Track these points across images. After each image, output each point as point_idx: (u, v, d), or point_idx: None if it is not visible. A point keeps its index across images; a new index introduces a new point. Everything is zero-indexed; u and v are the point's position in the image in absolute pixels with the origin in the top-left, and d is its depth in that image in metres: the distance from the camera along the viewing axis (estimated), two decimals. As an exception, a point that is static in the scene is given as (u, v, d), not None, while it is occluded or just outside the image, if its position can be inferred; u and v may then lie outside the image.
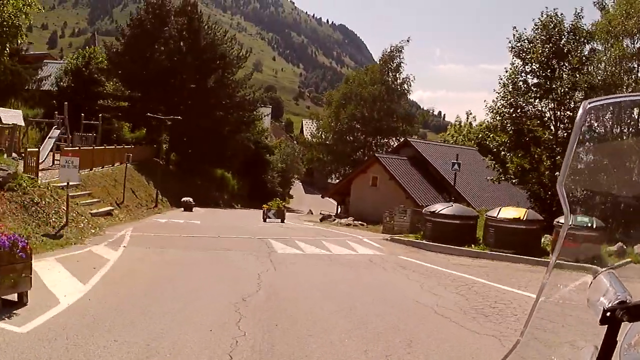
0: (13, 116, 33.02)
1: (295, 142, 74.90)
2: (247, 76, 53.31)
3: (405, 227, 24.02)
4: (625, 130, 23.85)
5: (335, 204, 62.91)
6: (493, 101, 26.09)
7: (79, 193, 23.71)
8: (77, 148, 29.02)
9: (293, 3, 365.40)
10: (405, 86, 59.25)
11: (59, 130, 33.49)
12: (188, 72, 47.85)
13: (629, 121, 24.32)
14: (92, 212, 21.52)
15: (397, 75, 58.86)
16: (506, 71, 26.26)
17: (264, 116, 54.18)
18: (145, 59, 47.06)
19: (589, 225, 4.63)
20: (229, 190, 54.19)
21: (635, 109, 19.14)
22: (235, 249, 16.54)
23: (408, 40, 59.47)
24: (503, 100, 25.62)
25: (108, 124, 46.16)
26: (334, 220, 33.98)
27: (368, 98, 56.45)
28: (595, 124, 21.04)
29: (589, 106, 1.63)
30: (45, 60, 56.42)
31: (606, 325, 1.43)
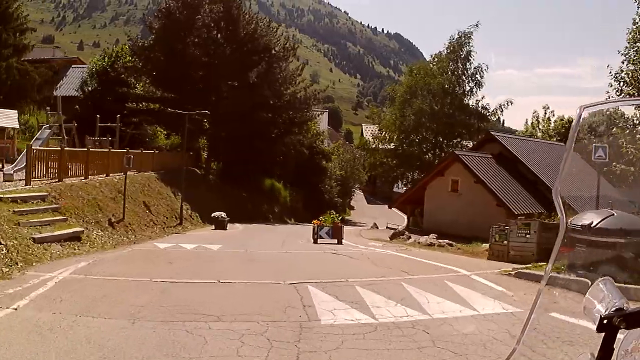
0: (9, 118, 26.18)
1: (354, 147, 66.34)
2: (297, 70, 45.03)
3: (528, 250, 15.19)
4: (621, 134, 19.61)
5: (404, 215, 54.26)
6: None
7: (37, 208, 15.92)
8: (57, 149, 21.38)
9: (347, 14, 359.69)
10: (478, 76, 49.82)
11: (49, 131, 26.04)
12: (226, 66, 40.06)
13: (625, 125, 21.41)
14: (39, 235, 13.58)
15: (468, 65, 49.56)
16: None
17: (318, 115, 45.87)
18: (176, 52, 39.54)
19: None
20: (281, 203, 46.00)
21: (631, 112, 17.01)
22: (233, 315, 8.10)
23: (477, 25, 49.95)
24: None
25: (136, 129, 38.90)
26: (408, 237, 25.16)
27: (437, 90, 47.34)
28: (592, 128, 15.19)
29: (584, 110, 1.63)
30: (73, 66, 49.96)
31: (603, 333, 1.43)
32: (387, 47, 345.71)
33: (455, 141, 48.03)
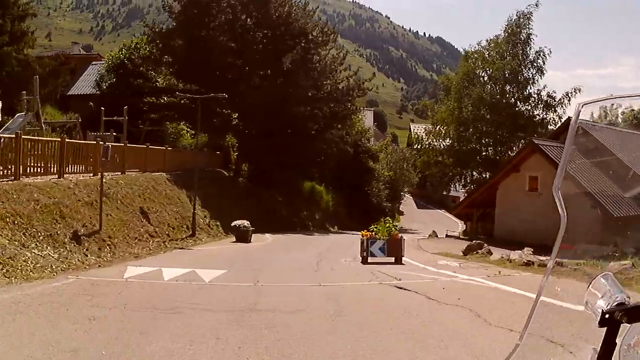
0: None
1: (402, 148, 59.40)
2: (339, 58, 38.49)
3: None
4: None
5: (458, 221, 47.74)
6: None
7: None
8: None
9: (388, 18, 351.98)
10: (540, 61, 42.18)
11: (21, 120, 20.28)
12: (257, 54, 33.97)
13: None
14: None
15: (528, 50, 42.05)
16: None
17: (363, 109, 39.24)
18: (199, 39, 33.65)
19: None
20: (322, 208, 39.58)
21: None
22: None
23: (537, 5, 42.24)
24: None
25: (154, 125, 33.17)
26: (489, 252, 18.22)
27: (498, 77, 40.14)
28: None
29: (582, 107, 1.63)
30: (93, 62, 44.64)
31: (605, 327, 1.43)
32: (430, 51, 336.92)
33: (520, 134, 40.66)
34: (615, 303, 1.43)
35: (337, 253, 18.74)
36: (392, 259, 15.93)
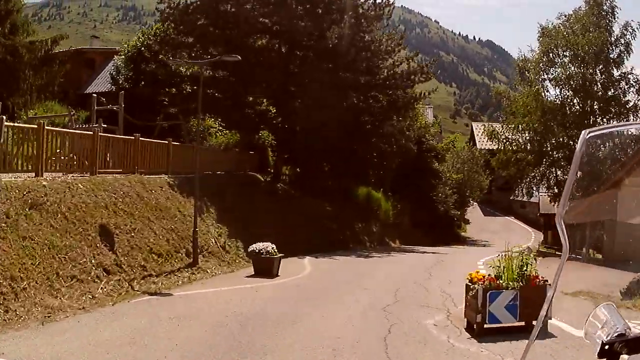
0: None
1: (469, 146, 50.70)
2: (396, 37, 30.55)
3: None
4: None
5: (529, 229, 39.72)
6: None
7: None
8: None
9: (438, 23, 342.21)
10: (629, 37, 32.90)
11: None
12: (296, 31, 26.52)
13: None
14: None
15: (612, 27, 32.86)
16: None
17: (427, 95, 31.13)
18: (224, 15, 26.60)
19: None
20: (380, 219, 31.62)
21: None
22: None
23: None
24: None
25: (169, 119, 26.39)
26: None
27: (588, 54, 31.27)
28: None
29: (588, 136, 1.58)
30: (115, 57, 38.08)
31: (605, 359, 1.39)
32: (480, 55, 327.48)
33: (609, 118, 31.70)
34: (616, 334, 1.37)
35: (414, 301, 10.85)
36: (523, 323, 8.00)
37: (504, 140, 32.08)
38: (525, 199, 33.67)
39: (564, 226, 1.51)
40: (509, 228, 48.00)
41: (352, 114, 27.44)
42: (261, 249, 13.46)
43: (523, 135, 31.38)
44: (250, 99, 27.96)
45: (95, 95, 25.86)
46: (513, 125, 30.94)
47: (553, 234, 32.97)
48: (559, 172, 31.38)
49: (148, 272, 12.40)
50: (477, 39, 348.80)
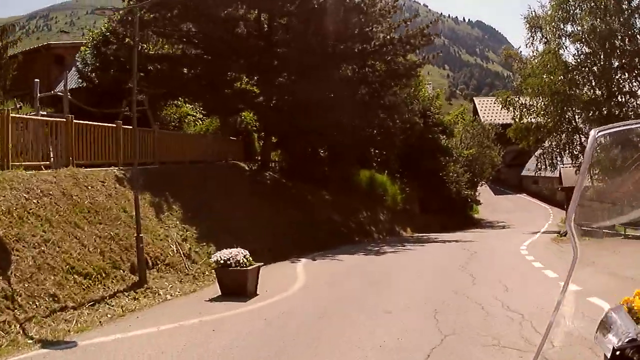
0: None
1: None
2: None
3: None
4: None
5: (547, 207, 39.82)
6: None
7: None
8: None
9: (427, 6, 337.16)
10: None
11: None
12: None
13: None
14: None
15: None
16: None
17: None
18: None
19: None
20: (388, 206, 27.35)
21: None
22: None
23: None
24: None
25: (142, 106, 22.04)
26: None
27: (609, 2, 26.83)
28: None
29: (598, 135, 1.58)
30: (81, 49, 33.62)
31: None
32: (471, 36, 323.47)
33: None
34: (627, 339, 1.31)
35: (471, 333, 6.46)
36: None
37: (521, 108, 27.74)
38: (547, 172, 29.36)
39: (574, 230, 1.50)
40: (524, 206, 43.89)
41: (347, 87, 23.34)
42: (228, 259, 9.16)
43: (542, 99, 27.05)
44: (229, 77, 23.72)
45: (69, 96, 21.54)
46: (530, 89, 26.58)
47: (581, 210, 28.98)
48: (583, 139, 27.11)
49: (62, 303, 8.23)
50: (467, 20, 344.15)
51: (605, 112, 25.37)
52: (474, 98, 68.35)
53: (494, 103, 71.24)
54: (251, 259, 9.32)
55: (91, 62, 25.77)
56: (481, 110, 57.15)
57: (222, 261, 9.09)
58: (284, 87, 22.81)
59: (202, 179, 17.75)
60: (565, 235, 18.45)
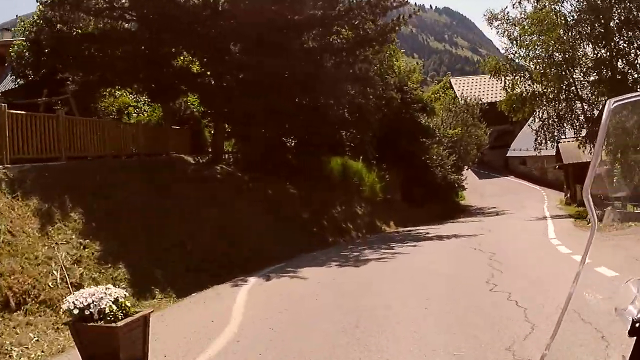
0: None
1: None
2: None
3: None
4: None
5: (540, 189, 36.82)
6: None
7: None
8: None
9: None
10: None
11: None
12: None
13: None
14: None
15: None
16: None
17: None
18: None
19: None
20: (366, 197, 23.32)
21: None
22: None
23: None
24: None
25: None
26: None
27: None
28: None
29: (614, 105, 1.46)
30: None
31: (635, 337, 1.27)
32: (439, 22, 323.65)
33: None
34: None
35: None
36: None
37: (514, 74, 23.90)
38: (548, 147, 25.63)
39: (591, 200, 1.42)
40: (513, 189, 40.23)
41: (310, 59, 19.42)
42: (86, 306, 5.02)
43: (540, 62, 23.22)
44: (167, 53, 19.55)
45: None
46: (525, 49, 22.80)
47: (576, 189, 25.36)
48: (587, 108, 23.38)
49: None
50: (434, 8, 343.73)
51: (610, 75, 21.68)
52: (450, 79, 64.54)
53: (472, 83, 67.75)
54: (128, 304, 5.19)
55: (27, 57, 21.38)
56: (458, 90, 53.42)
57: (77, 309, 4.99)
58: (235, 63, 18.84)
59: (124, 177, 13.61)
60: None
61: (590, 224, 1.62)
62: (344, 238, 18.26)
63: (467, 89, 52.84)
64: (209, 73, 20.18)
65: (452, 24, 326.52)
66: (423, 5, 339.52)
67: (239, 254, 12.60)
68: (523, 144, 43.69)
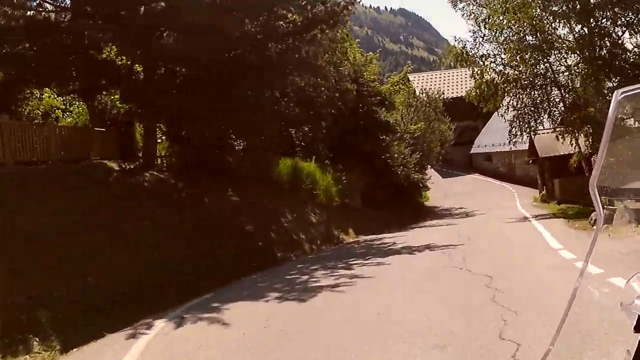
0: None
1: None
2: None
3: None
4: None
5: (509, 186, 35.31)
6: None
7: None
8: None
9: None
10: None
11: None
12: None
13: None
14: None
15: None
16: None
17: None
18: None
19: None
20: (321, 203, 20.67)
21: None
22: None
23: None
24: None
25: None
26: None
27: None
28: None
29: (621, 97, 1.39)
30: None
31: None
32: (394, 24, 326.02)
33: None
34: None
35: None
36: None
37: (482, 59, 21.56)
38: (523, 139, 23.38)
39: (597, 193, 1.37)
40: (480, 188, 38.22)
41: (250, 47, 16.84)
42: None
43: (512, 47, 20.90)
44: (84, 43, 16.61)
45: None
46: (495, 31, 20.49)
47: (564, 184, 23.20)
48: (567, 96, 21.14)
49: None
50: (389, 9, 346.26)
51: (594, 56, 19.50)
52: (408, 74, 62.50)
53: (430, 78, 65.65)
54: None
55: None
56: (417, 87, 51.34)
57: None
58: (166, 53, 16.15)
59: (22, 190, 10.71)
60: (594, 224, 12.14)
61: (591, 224, 1.97)
62: (295, 252, 15.55)
63: (425, 86, 50.86)
64: (137, 66, 17.41)
65: (408, 24, 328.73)
66: (378, 7, 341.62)
67: (155, 284, 9.83)
68: (488, 140, 41.82)
